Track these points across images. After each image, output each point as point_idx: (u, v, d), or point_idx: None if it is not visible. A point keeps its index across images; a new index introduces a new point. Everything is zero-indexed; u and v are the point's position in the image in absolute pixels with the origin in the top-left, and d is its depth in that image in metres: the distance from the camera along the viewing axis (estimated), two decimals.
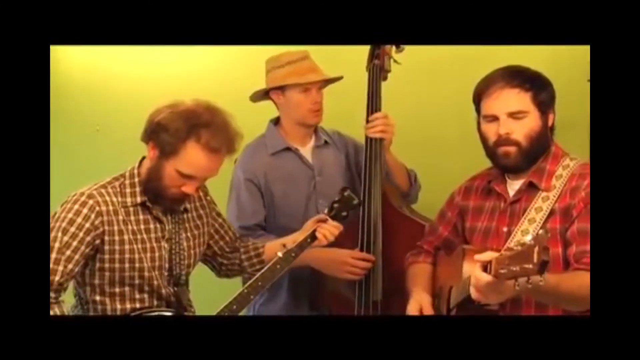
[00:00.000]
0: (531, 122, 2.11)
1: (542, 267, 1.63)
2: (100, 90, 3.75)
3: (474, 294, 1.85)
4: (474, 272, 1.83)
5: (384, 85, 2.75)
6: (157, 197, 2.29)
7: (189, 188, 2.25)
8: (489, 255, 1.80)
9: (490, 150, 2.16)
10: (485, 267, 1.80)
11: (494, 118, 2.13)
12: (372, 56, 2.77)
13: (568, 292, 1.89)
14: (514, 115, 2.10)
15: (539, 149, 2.14)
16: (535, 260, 1.63)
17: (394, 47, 2.75)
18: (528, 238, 1.67)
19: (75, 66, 3.78)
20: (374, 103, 2.73)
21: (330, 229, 2.46)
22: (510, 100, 2.11)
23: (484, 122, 2.17)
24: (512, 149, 2.11)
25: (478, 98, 2.18)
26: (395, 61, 2.78)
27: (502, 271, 1.72)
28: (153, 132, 2.23)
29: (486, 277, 1.78)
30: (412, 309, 2.28)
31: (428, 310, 2.25)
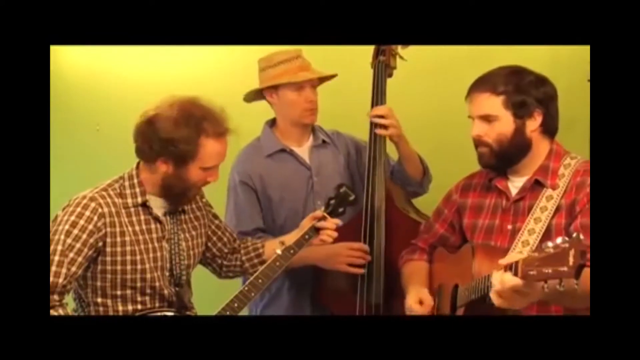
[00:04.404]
0: (502, 126, 2.15)
1: (579, 270, 1.62)
2: (100, 90, 3.75)
3: (496, 300, 1.81)
4: (498, 276, 1.78)
5: (389, 82, 2.75)
6: (181, 198, 2.34)
7: (212, 177, 2.32)
8: (514, 257, 1.78)
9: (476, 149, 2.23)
10: (510, 269, 1.77)
11: (472, 120, 2.20)
12: (378, 53, 2.76)
13: (583, 290, 1.88)
14: (484, 119, 2.16)
15: (512, 151, 2.17)
16: (571, 263, 1.62)
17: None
18: (559, 240, 1.67)
19: (75, 66, 3.78)
20: (378, 100, 2.72)
21: (330, 228, 2.47)
22: (481, 103, 2.17)
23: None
24: (485, 150, 2.19)
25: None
26: (401, 57, 2.77)
27: (531, 272, 1.70)
28: (162, 148, 2.23)
29: (513, 279, 1.74)
30: (411, 302, 2.28)
31: (428, 301, 2.26)
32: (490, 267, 1.87)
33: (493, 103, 2.14)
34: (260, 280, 2.37)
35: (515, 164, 2.19)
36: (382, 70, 2.74)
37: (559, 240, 1.67)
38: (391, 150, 2.77)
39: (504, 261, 1.81)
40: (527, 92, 2.15)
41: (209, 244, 2.53)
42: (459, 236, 2.35)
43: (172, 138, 2.22)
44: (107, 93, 3.73)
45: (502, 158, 2.18)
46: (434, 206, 2.48)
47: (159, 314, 2.32)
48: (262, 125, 2.87)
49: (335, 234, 2.48)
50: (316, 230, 2.46)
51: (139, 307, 2.31)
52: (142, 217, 2.32)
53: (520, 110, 2.14)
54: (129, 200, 2.30)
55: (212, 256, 2.56)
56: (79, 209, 2.22)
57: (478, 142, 2.19)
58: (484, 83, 2.17)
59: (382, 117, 2.66)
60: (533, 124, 2.16)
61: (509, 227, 2.17)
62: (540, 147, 2.19)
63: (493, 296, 1.82)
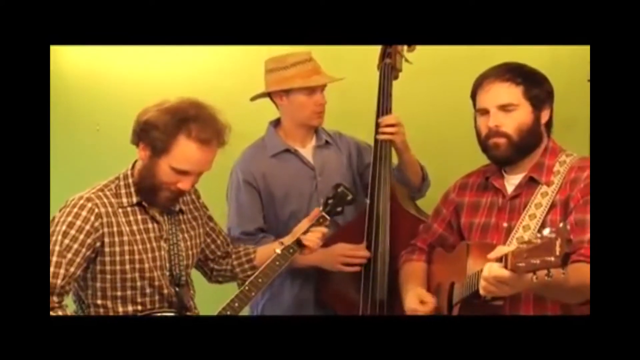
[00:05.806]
0: (521, 115, 2.14)
1: (565, 259, 1.64)
2: (100, 90, 3.75)
3: (484, 287, 1.85)
4: (488, 267, 1.82)
5: (394, 84, 2.75)
6: (152, 196, 2.29)
7: (184, 184, 2.25)
8: (502, 250, 1.81)
9: (483, 143, 2.19)
10: (500, 261, 1.80)
11: (485, 111, 2.17)
12: (384, 55, 2.76)
13: (574, 284, 1.89)
14: (503, 108, 2.14)
15: (529, 142, 2.16)
16: (557, 252, 1.64)
17: (405, 46, 2.75)
18: (547, 231, 1.68)
19: (75, 66, 3.78)
20: (384, 102, 2.72)
21: (315, 236, 2.47)
22: (500, 93, 2.14)
23: (477, 116, 2.21)
24: (501, 141, 2.14)
25: (474, 94, 2.22)
26: (406, 60, 2.77)
27: (520, 264, 1.72)
28: (142, 131, 2.23)
29: (502, 271, 1.78)
30: (411, 302, 2.28)
31: (429, 299, 2.26)
32: (484, 264, 1.88)
33: (514, 92, 2.13)
34: (260, 280, 2.37)
35: (524, 158, 2.17)
36: (388, 73, 2.74)
37: (546, 231, 1.69)
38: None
39: (492, 255, 1.83)
40: (540, 86, 2.16)
41: (203, 246, 2.52)
42: (458, 236, 2.35)
43: (152, 122, 2.20)
44: (107, 93, 3.73)
45: (518, 149, 2.15)
46: (434, 205, 2.49)
47: (159, 314, 2.32)
48: (263, 125, 2.87)
49: (318, 242, 2.47)
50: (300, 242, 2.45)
51: (139, 307, 2.31)
52: (139, 217, 2.31)
53: (536, 102, 2.14)
54: (124, 200, 2.29)
55: (204, 259, 2.56)
56: (75, 210, 2.22)
57: (495, 133, 2.14)
58: (500, 74, 2.15)
59: (392, 125, 2.67)
60: (544, 118, 2.17)
61: (505, 224, 2.17)
62: (542, 143, 2.20)
63: (482, 282, 1.85)
